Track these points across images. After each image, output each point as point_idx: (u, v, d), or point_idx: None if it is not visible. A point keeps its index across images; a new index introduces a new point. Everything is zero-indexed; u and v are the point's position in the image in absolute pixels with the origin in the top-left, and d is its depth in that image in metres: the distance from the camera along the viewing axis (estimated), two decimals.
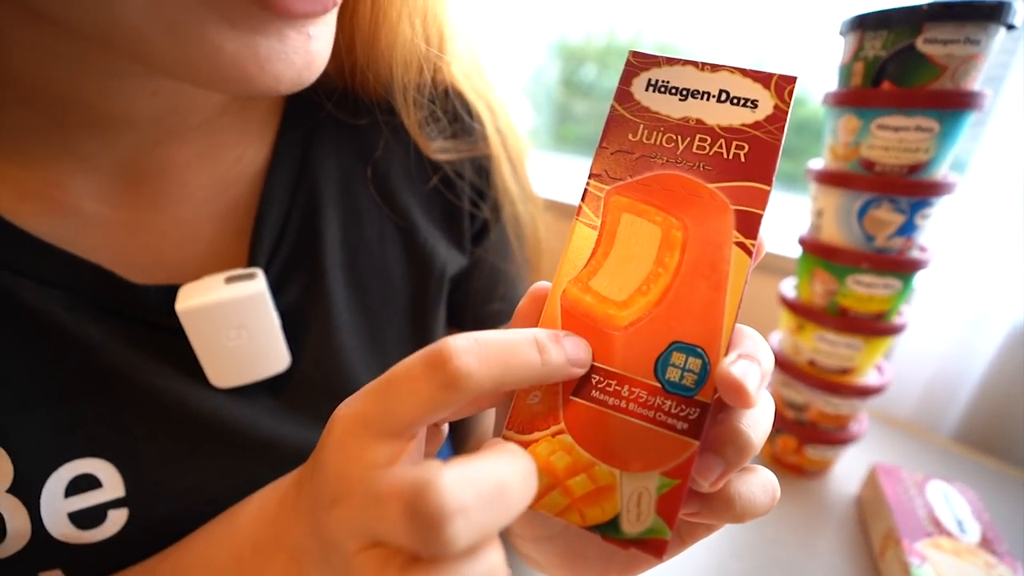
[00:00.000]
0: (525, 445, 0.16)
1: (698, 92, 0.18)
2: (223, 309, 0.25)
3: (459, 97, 0.32)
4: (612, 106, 0.19)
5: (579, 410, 0.16)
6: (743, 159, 0.17)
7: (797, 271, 0.45)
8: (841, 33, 0.38)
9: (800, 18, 0.95)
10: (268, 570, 0.18)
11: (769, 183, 0.17)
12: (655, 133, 0.18)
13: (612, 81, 1.34)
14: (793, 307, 0.43)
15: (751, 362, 0.15)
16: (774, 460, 0.48)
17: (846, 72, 0.38)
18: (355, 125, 0.30)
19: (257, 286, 0.26)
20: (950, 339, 0.59)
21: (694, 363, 0.16)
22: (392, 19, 0.27)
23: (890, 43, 0.34)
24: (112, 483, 0.23)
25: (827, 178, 0.39)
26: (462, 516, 0.12)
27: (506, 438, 0.16)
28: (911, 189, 0.36)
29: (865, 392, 0.42)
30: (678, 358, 0.16)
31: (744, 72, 0.18)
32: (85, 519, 0.23)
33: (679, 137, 0.18)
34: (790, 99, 0.18)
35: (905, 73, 0.34)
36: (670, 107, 0.18)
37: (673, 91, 0.19)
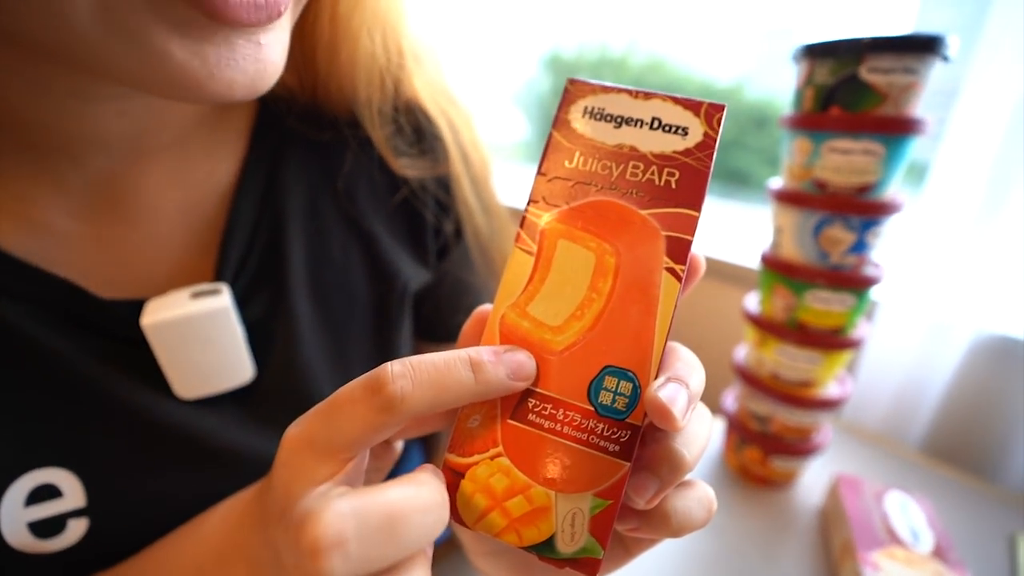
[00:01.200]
0: (465, 467, 0.17)
1: (632, 120, 0.19)
2: (188, 323, 0.25)
3: (421, 112, 0.32)
4: (551, 132, 0.20)
5: (516, 433, 0.17)
6: (674, 185, 0.18)
7: (759, 286, 0.46)
8: (794, 60, 0.39)
9: (786, 29, 0.97)
10: None
11: (698, 209, 0.18)
12: (591, 160, 0.19)
13: None
14: (756, 321, 0.45)
15: (679, 385, 0.16)
16: (741, 471, 0.49)
17: (799, 97, 0.39)
18: (322, 141, 0.30)
19: (222, 301, 0.26)
20: (913, 351, 0.61)
21: (625, 387, 0.17)
22: (352, 32, 0.27)
23: (836, 71, 0.36)
24: (73, 493, 0.24)
25: (784, 197, 0.40)
26: (338, 549, 0.12)
27: (446, 460, 0.17)
28: (861, 209, 0.37)
29: (825, 404, 0.43)
30: (610, 382, 0.17)
31: (675, 100, 0.19)
32: (44, 529, 0.23)
33: (613, 164, 0.19)
34: (719, 126, 0.18)
35: (851, 99, 0.35)
36: (605, 134, 0.19)
37: (608, 119, 0.19)
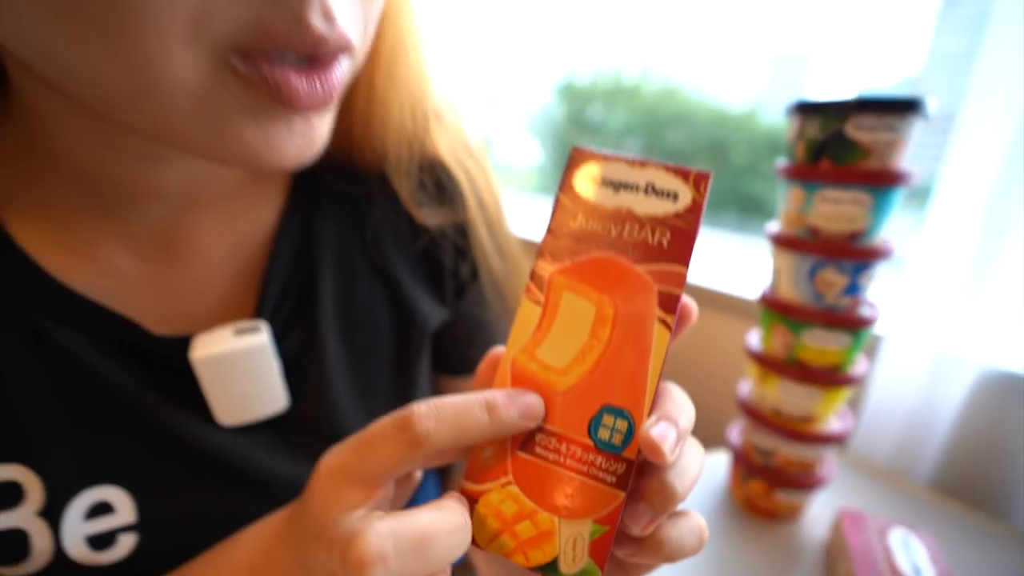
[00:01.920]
0: (479, 494, 0.19)
1: (629, 185, 0.22)
2: (231, 358, 0.29)
3: (442, 168, 0.36)
4: (557, 195, 0.22)
5: (524, 464, 0.19)
6: (665, 245, 0.21)
7: (760, 324, 0.48)
8: (787, 115, 0.42)
9: (798, 55, 0.98)
10: None
11: (686, 266, 0.20)
12: (592, 220, 0.22)
13: (618, 120, 1.36)
14: (757, 358, 0.47)
15: (669, 424, 0.18)
16: (746, 503, 0.50)
17: (792, 148, 0.42)
18: (353, 194, 0.34)
19: (261, 338, 0.29)
20: (918, 386, 0.62)
21: (621, 424, 0.19)
22: (385, 106, 0.31)
23: (825, 127, 0.38)
24: (125, 509, 0.27)
25: (780, 241, 0.43)
26: (381, 564, 0.15)
27: (462, 487, 0.20)
28: (852, 254, 0.39)
29: (827, 439, 0.45)
30: (608, 419, 0.20)
31: (667, 168, 0.22)
32: (99, 542, 0.26)
33: (612, 224, 0.21)
34: (705, 192, 0.21)
35: (839, 153, 0.38)
36: (605, 197, 0.22)
37: (608, 184, 0.22)
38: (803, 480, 0.46)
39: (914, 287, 0.59)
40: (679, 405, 0.19)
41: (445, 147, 0.36)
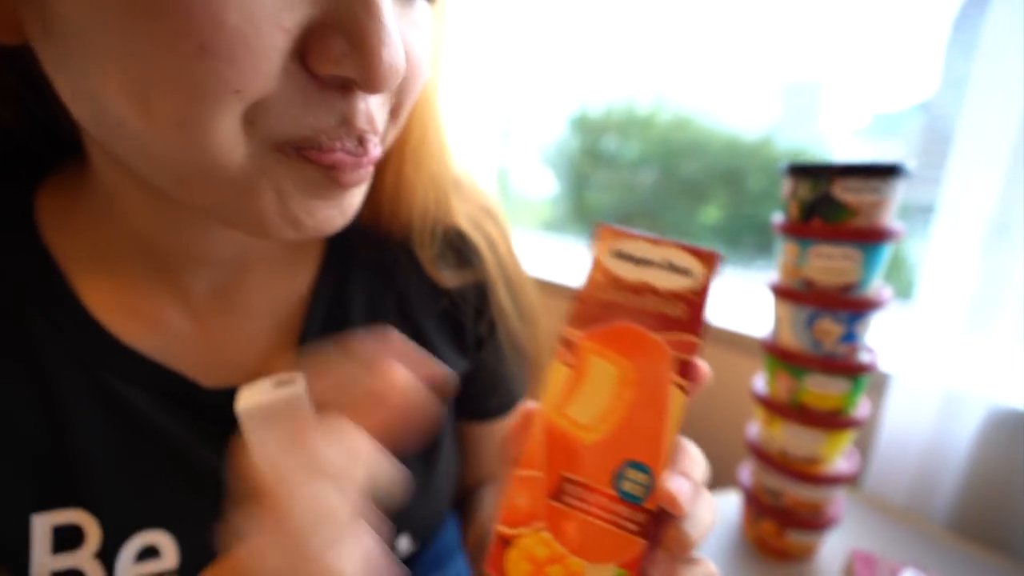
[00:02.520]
0: (513, 537, 0.22)
1: (648, 261, 0.25)
2: (272, 408, 0.32)
3: (462, 238, 0.40)
4: (588, 269, 0.26)
5: (556, 511, 0.22)
6: (680, 316, 0.24)
7: (765, 368, 0.50)
8: (781, 175, 0.46)
9: (812, 81, 1.00)
10: None
11: (699, 335, 0.23)
12: (616, 292, 0.25)
13: (632, 151, 1.38)
14: (763, 402, 0.49)
15: (685, 479, 0.21)
16: (759, 543, 0.52)
17: (786, 206, 0.45)
18: (381, 258, 0.38)
19: (298, 389, 0.33)
20: (928, 424, 0.63)
21: (642, 477, 0.22)
22: (410, 188, 0.35)
23: (814, 189, 0.42)
24: (169, 554, 0.29)
25: (779, 292, 0.46)
26: None
27: (497, 530, 0.22)
28: (846, 305, 0.42)
29: (833, 480, 0.47)
30: (630, 473, 0.22)
31: (683, 247, 0.25)
32: None
33: (634, 296, 0.25)
34: (715, 270, 0.24)
35: (828, 212, 0.42)
36: (628, 271, 0.25)
37: (630, 259, 0.25)
38: (813, 521, 0.48)
39: (919, 324, 0.61)
40: (694, 461, 0.22)
41: (463, 215, 0.40)
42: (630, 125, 1.33)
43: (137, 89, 0.19)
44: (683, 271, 0.24)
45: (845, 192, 0.40)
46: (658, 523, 0.22)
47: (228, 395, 0.32)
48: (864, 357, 0.45)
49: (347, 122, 0.23)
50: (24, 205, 0.30)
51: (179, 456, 0.31)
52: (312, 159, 0.23)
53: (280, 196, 0.24)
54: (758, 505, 0.50)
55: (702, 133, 1.20)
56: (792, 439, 0.47)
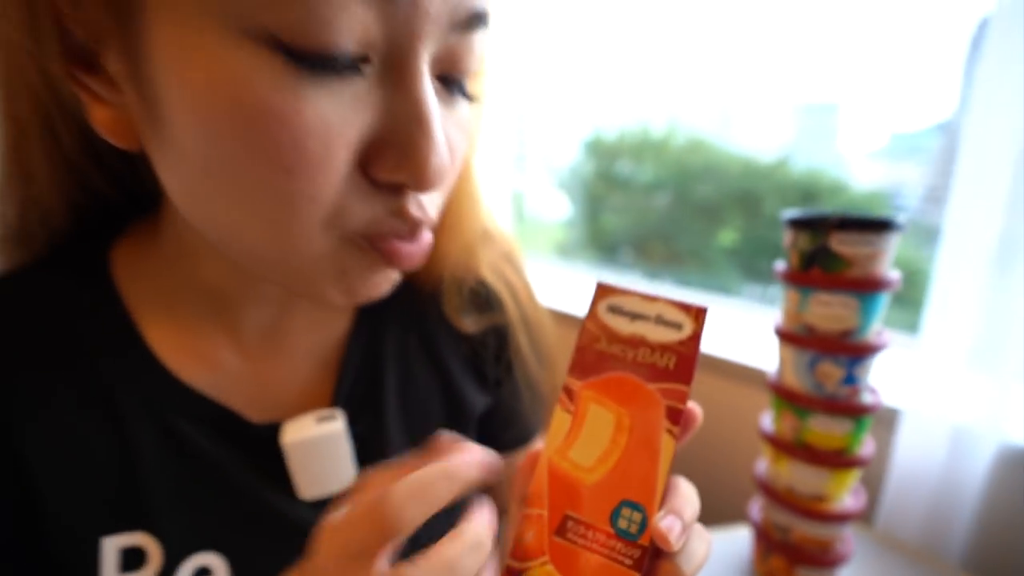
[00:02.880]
0: (522, 570, 0.25)
1: (641, 315, 0.28)
2: (314, 442, 0.36)
3: (485, 286, 0.44)
4: (584, 322, 0.29)
5: (559, 546, 0.25)
6: (671, 367, 0.27)
7: (772, 407, 0.53)
8: (783, 226, 0.49)
9: (828, 102, 1.00)
10: None
11: (688, 385, 0.26)
12: (612, 344, 0.28)
13: (646, 174, 1.37)
14: (770, 439, 0.51)
15: (676, 518, 0.24)
16: None
17: (788, 255, 0.48)
18: (412, 307, 0.42)
19: (338, 425, 0.36)
20: (939, 461, 0.63)
21: (636, 516, 0.25)
22: (444, 253, 0.39)
23: (813, 241, 0.45)
24: (221, 574, 0.33)
25: (783, 336, 0.48)
26: None
27: (508, 564, 0.25)
28: (846, 349, 0.45)
29: (841, 517, 0.48)
30: (626, 512, 0.25)
31: (673, 303, 0.28)
32: None
33: (628, 348, 0.28)
34: (703, 324, 0.27)
35: (826, 263, 0.44)
36: (622, 325, 0.28)
37: (624, 314, 0.28)
38: (822, 558, 0.49)
39: (925, 361, 0.62)
40: (685, 500, 0.25)
41: (487, 264, 0.44)
42: (644, 148, 1.33)
43: (233, 195, 0.24)
44: (674, 325, 0.27)
45: (841, 244, 0.43)
46: (652, 557, 0.24)
47: (274, 429, 0.36)
48: (867, 398, 0.47)
49: (402, 214, 0.27)
50: (102, 258, 0.35)
51: (231, 485, 0.34)
52: (374, 246, 0.27)
53: (341, 274, 0.28)
54: (767, 540, 0.52)
55: (717, 155, 1.19)
56: (798, 476, 0.49)
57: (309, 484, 0.37)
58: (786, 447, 0.49)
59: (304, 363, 0.39)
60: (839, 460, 0.47)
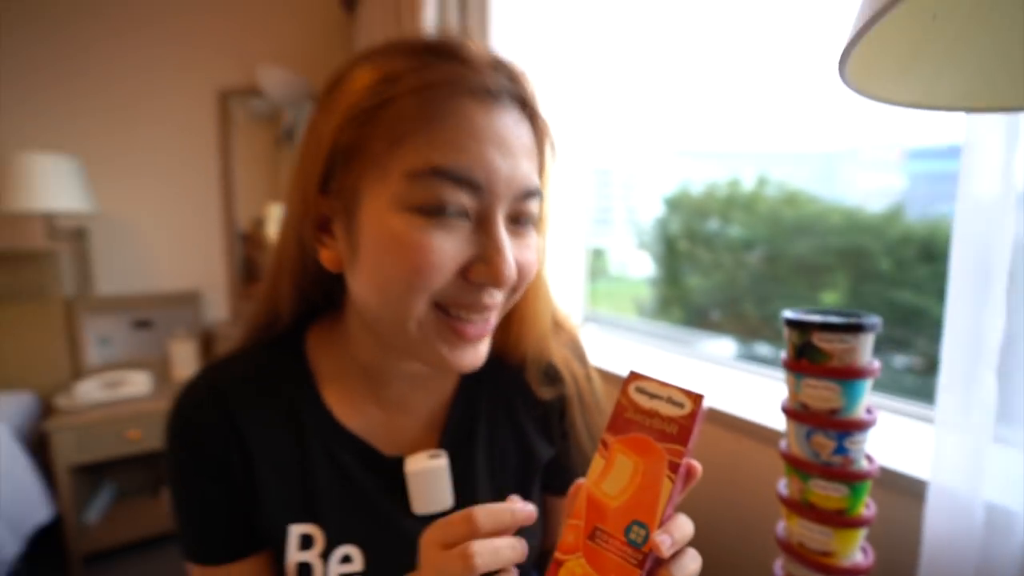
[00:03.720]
0: (563, 561, 0.39)
1: (658, 396, 0.43)
2: (425, 472, 0.52)
3: (555, 369, 0.60)
4: (619, 396, 0.44)
5: (589, 547, 0.39)
6: (674, 433, 0.41)
7: (785, 472, 0.63)
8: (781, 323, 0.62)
9: (941, 145, 0.84)
10: None
11: (685, 446, 0.40)
12: (636, 414, 0.43)
13: (736, 230, 1.32)
14: (783, 500, 0.61)
15: (668, 535, 0.37)
16: None
17: (785, 346, 0.61)
18: (499, 380, 0.59)
19: (443, 461, 0.53)
20: (973, 537, 0.67)
21: (642, 531, 0.39)
22: (524, 336, 0.57)
23: (800, 337, 0.58)
24: (358, 561, 0.50)
25: (785, 411, 0.60)
26: (477, 556, 0.36)
27: (555, 555, 0.40)
28: (834, 425, 0.56)
29: (850, 572, 0.57)
30: (635, 528, 0.39)
31: (680, 389, 0.42)
32: None
33: (646, 417, 0.42)
34: (699, 406, 0.42)
35: (812, 355, 0.57)
36: (643, 401, 0.43)
37: (646, 394, 0.43)
38: None
39: (942, 433, 0.67)
40: (678, 526, 0.38)
41: (557, 354, 0.61)
42: (732, 205, 1.28)
43: (380, 286, 0.44)
44: (679, 404, 0.42)
45: (821, 342, 0.56)
46: (652, 565, 0.38)
47: (400, 461, 0.54)
48: (862, 465, 0.57)
49: (480, 301, 0.45)
50: (301, 340, 0.56)
51: (369, 498, 0.52)
52: (451, 325, 0.45)
53: (436, 339, 0.46)
54: None
55: (813, 209, 1.12)
56: (807, 533, 0.58)
57: (420, 503, 0.53)
58: (795, 506, 0.59)
59: (421, 418, 0.57)
60: (840, 520, 0.57)
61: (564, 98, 1.51)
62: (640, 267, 1.63)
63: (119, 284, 2.17)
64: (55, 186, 1.76)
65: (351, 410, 0.54)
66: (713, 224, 1.35)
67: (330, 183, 0.45)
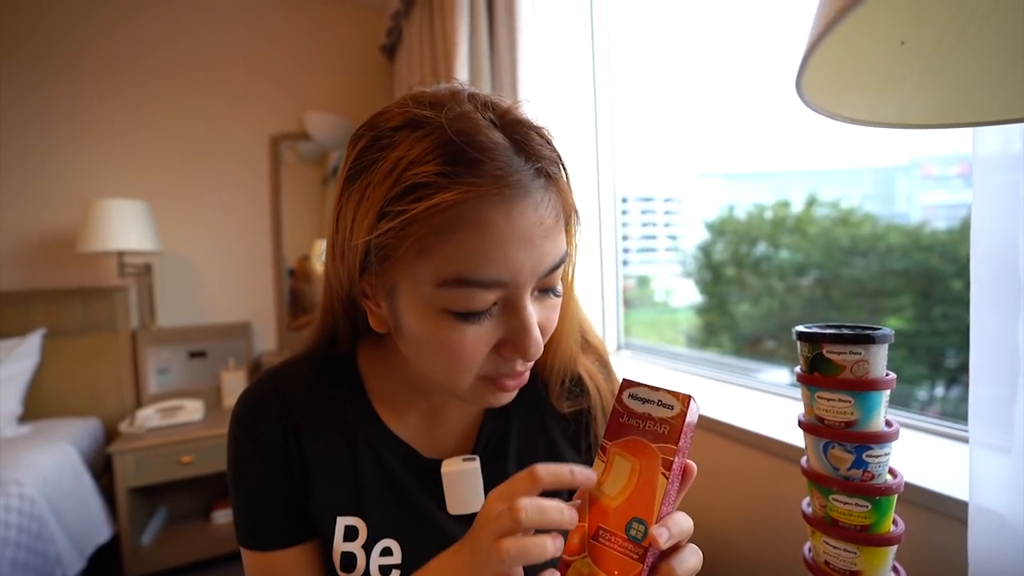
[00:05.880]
0: (571, 561, 0.41)
1: (649, 400, 0.45)
2: (460, 473, 0.56)
3: (580, 382, 0.63)
4: (614, 404, 0.47)
5: (594, 547, 0.41)
6: (666, 433, 0.43)
7: (807, 489, 0.62)
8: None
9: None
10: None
11: (677, 445, 0.43)
12: (631, 419, 0.45)
13: (785, 254, 1.27)
14: (806, 517, 0.60)
15: (665, 529, 0.40)
16: None
17: (800, 360, 0.61)
18: (529, 394, 0.63)
19: (476, 465, 0.57)
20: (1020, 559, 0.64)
21: (641, 527, 0.41)
22: (551, 368, 0.61)
23: (812, 350, 0.58)
24: (397, 553, 0.54)
25: (802, 426, 0.60)
26: (523, 510, 0.39)
27: (562, 556, 0.42)
28: (850, 438, 0.56)
29: None
30: (635, 524, 0.41)
31: (669, 392, 0.45)
32: (384, 571, 0.53)
33: (640, 421, 0.45)
34: (688, 406, 0.44)
35: (823, 367, 0.57)
36: (636, 406, 0.46)
37: (638, 399, 0.46)
38: None
39: (976, 454, 0.66)
40: (675, 521, 0.41)
41: (583, 367, 0.64)
42: (781, 225, 1.20)
43: (429, 362, 0.50)
44: (668, 406, 0.44)
45: (831, 354, 0.56)
46: (653, 555, 0.40)
47: (437, 463, 0.57)
48: (886, 480, 0.56)
49: (515, 370, 0.50)
50: (354, 353, 0.62)
51: (409, 495, 0.56)
52: (495, 384, 0.51)
53: (481, 394, 0.52)
54: None
55: (872, 228, 1.03)
56: (832, 551, 0.57)
57: (454, 503, 0.57)
58: (818, 523, 0.58)
59: (458, 426, 0.62)
60: (864, 537, 0.55)
61: (597, 126, 1.56)
62: (685, 295, 1.59)
63: (177, 317, 2.35)
64: (127, 228, 1.94)
65: (395, 417, 0.60)
66: (761, 248, 1.26)
67: (367, 272, 0.49)
